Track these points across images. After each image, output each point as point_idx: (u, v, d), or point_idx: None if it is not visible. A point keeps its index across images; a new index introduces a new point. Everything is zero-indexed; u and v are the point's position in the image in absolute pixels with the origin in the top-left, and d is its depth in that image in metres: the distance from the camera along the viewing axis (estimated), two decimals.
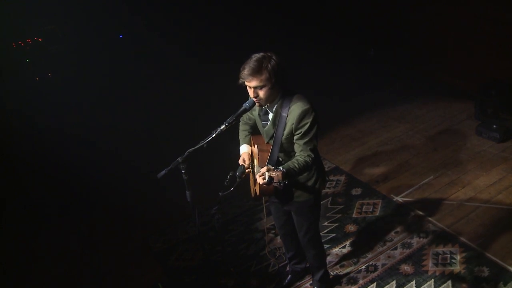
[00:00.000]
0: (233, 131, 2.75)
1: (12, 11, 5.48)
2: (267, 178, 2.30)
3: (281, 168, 2.35)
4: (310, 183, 2.80)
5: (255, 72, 2.42)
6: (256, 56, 2.46)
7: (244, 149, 2.95)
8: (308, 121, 2.51)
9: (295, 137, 2.58)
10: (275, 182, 2.33)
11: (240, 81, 2.49)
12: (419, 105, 6.25)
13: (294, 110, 2.52)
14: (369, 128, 5.84)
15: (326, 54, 7.52)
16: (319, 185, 2.86)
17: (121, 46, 6.62)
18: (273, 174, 2.32)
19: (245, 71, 2.43)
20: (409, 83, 6.90)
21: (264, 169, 2.39)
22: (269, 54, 2.47)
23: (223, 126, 2.54)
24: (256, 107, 2.72)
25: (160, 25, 6.71)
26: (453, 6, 6.05)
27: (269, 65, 2.42)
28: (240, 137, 3.02)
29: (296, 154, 2.62)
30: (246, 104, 2.62)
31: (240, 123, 3.01)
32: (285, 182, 2.35)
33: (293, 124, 2.53)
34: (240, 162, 2.89)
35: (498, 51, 5.65)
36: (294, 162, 2.54)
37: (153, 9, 6.63)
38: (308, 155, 2.56)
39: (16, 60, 5.82)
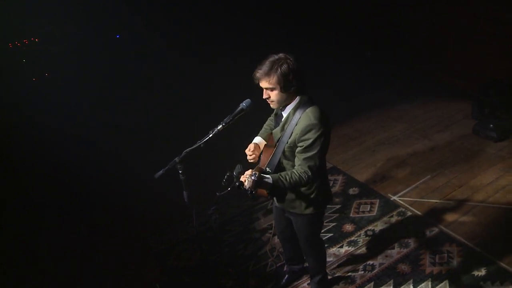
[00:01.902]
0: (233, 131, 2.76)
1: (9, 11, 5.50)
2: (236, 181, 2.35)
3: (254, 176, 2.36)
4: (309, 198, 2.76)
5: (265, 74, 2.43)
6: (272, 56, 2.47)
7: (257, 140, 2.91)
8: (312, 137, 2.46)
9: (297, 150, 2.55)
10: (243, 188, 2.35)
11: (255, 82, 2.51)
12: (417, 105, 6.26)
13: (302, 121, 2.49)
14: (367, 128, 5.86)
15: (325, 54, 7.52)
16: (319, 202, 2.82)
17: (121, 46, 6.64)
18: (246, 179, 2.35)
19: (257, 73, 2.46)
20: (408, 83, 6.91)
21: (248, 172, 2.41)
22: (285, 57, 2.45)
23: (220, 126, 2.57)
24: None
25: (160, 25, 6.73)
26: (453, 6, 6.05)
27: (279, 69, 2.41)
28: (261, 130, 3.00)
29: (295, 167, 2.59)
30: (243, 104, 2.63)
31: (269, 118, 2.99)
32: (252, 191, 2.36)
33: (297, 134, 2.51)
34: (246, 150, 2.85)
35: (498, 51, 5.65)
36: (287, 174, 2.52)
37: (152, 9, 6.65)
38: (305, 172, 2.51)
39: (12, 60, 5.84)
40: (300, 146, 2.51)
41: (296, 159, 2.58)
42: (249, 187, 2.36)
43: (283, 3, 7.44)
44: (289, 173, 2.53)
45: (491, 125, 5.08)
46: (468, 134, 5.32)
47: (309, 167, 2.51)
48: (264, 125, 3.02)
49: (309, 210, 2.81)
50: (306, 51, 7.25)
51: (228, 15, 7.06)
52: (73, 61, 6.24)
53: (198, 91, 6.77)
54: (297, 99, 2.56)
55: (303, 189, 2.73)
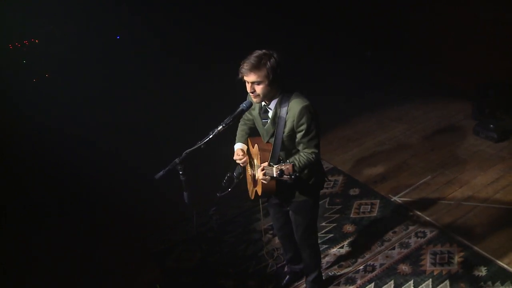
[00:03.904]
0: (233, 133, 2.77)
1: (9, 12, 5.50)
2: (274, 173, 2.35)
3: (290, 161, 2.42)
4: (309, 182, 2.81)
5: (254, 68, 2.45)
6: (257, 52, 2.49)
7: (239, 146, 2.95)
8: (308, 118, 2.52)
9: (298, 136, 2.59)
10: (286, 175, 2.35)
11: (240, 76, 2.52)
12: (417, 106, 6.26)
13: (293, 107, 2.54)
14: (367, 129, 5.86)
15: (325, 54, 7.53)
16: (318, 184, 2.88)
17: (120, 47, 6.64)
18: (284, 167, 2.35)
19: (244, 66, 2.47)
20: (408, 83, 6.91)
21: (264, 164, 2.44)
22: (271, 52, 2.49)
23: (220, 127, 2.57)
24: (256, 106, 2.75)
25: (159, 25, 6.73)
26: (453, 6, 6.05)
27: (268, 63, 2.44)
28: (237, 136, 3.01)
29: (300, 152, 2.64)
30: (243, 105, 2.64)
31: (240, 123, 3.02)
32: (296, 175, 2.37)
33: (293, 121, 2.54)
34: (235, 157, 2.88)
35: (498, 52, 5.65)
36: (295, 159, 2.57)
37: (152, 9, 6.65)
38: (312, 152, 2.60)
39: (12, 61, 5.84)
40: (301, 131, 2.57)
41: (300, 145, 2.63)
42: (289, 172, 2.36)
43: (283, 3, 7.44)
44: (296, 157, 2.59)
45: (491, 126, 5.08)
46: (469, 135, 5.32)
47: (315, 146, 2.61)
48: (238, 131, 3.02)
49: (312, 193, 2.86)
50: (306, 51, 7.27)
51: (227, 15, 7.07)
52: (73, 61, 6.24)
53: (198, 91, 6.78)
54: (279, 91, 2.60)
55: (306, 174, 2.75)
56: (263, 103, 2.67)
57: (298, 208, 2.95)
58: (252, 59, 2.46)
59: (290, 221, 3.12)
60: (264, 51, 2.50)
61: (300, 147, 2.64)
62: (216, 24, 6.99)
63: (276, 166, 2.40)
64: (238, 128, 3.03)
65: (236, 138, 3.01)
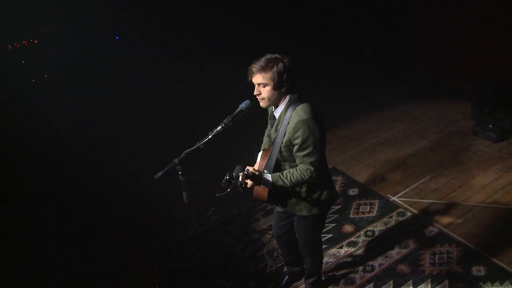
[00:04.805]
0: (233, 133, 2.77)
1: (8, 12, 5.50)
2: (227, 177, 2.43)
3: (247, 171, 2.42)
4: (314, 199, 2.76)
5: (261, 69, 2.45)
6: (268, 55, 2.50)
7: (260, 155, 2.94)
8: (304, 132, 2.47)
9: (294, 149, 2.56)
10: (234, 181, 2.43)
11: (248, 78, 2.53)
12: (416, 106, 6.27)
13: (293, 118, 2.50)
14: (366, 129, 5.86)
15: (324, 54, 7.53)
16: (321, 202, 2.80)
17: (119, 48, 6.64)
18: (239, 173, 2.42)
19: (252, 67, 2.48)
20: (406, 83, 6.92)
21: (251, 168, 2.46)
22: (282, 57, 2.49)
23: (219, 127, 2.58)
24: (269, 111, 2.74)
25: (159, 26, 6.74)
26: (452, 6, 6.06)
27: (275, 67, 2.44)
28: (263, 141, 3.04)
29: (298, 166, 2.60)
30: (242, 105, 2.64)
31: (266, 129, 2.99)
32: (242, 185, 2.41)
33: (290, 133, 2.52)
34: (250, 169, 2.88)
35: (497, 51, 5.65)
36: (288, 173, 2.55)
37: (152, 10, 6.65)
38: (307, 169, 2.53)
39: (12, 62, 5.84)
40: (295, 145, 2.53)
41: (297, 159, 2.59)
42: (239, 181, 2.41)
43: (283, 3, 7.46)
44: (290, 171, 2.56)
45: (490, 126, 5.09)
46: (468, 135, 5.33)
47: (310, 163, 2.53)
48: (265, 136, 3.02)
49: (314, 211, 2.81)
50: (306, 52, 7.27)
51: (228, 15, 7.08)
52: (73, 62, 6.25)
53: (197, 92, 6.78)
54: (287, 98, 2.57)
55: (303, 190, 2.73)
56: (272, 108, 2.66)
57: (300, 220, 2.94)
58: (261, 61, 2.47)
59: (292, 230, 3.12)
60: (275, 55, 2.50)
61: (297, 161, 2.60)
62: (216, 24, 7.00)
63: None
64: (265, 133, 3.01)
65: (263, 143, 3.03)
